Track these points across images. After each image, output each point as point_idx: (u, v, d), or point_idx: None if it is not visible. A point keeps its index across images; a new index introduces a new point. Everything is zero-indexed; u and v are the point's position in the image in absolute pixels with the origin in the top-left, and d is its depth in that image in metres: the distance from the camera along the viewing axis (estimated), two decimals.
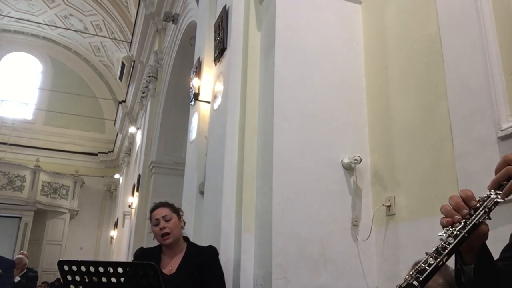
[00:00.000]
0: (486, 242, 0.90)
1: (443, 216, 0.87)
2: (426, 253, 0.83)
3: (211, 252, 2.35)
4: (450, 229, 0.84)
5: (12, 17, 14.81)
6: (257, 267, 2.71)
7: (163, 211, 2.32)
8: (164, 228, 2.26)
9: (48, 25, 15.51)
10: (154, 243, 2.38)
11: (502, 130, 1.94)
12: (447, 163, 2.24)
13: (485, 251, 0.88)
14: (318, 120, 2.88)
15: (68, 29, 15.23)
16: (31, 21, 14.79)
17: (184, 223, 2.41)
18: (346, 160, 2.82)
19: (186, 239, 2.39)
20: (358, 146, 2.91)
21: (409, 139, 2.61)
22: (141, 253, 2.35)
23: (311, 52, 3.01)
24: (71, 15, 14.89)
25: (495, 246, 0.97)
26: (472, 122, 2.10)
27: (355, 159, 2.78)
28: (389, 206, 2.67)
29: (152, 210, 2.37)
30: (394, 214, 2.63)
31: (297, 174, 2.72)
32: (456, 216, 0.84)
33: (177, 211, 2.39)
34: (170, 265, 2.26)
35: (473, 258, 0.88)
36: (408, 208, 2.55)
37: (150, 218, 2.36)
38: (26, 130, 15.98)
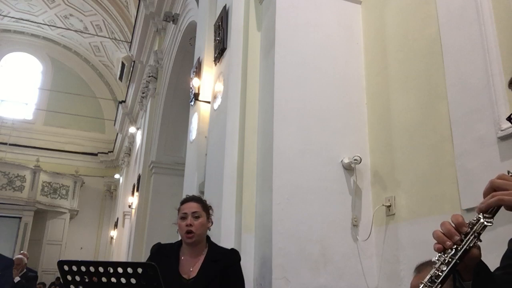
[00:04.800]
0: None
1: (435, 242, 0.90)
2: (421, 282, 0.87)
3: (234, 257, 2.20)
4: (443, 255, 0.87)
5: (12, 17, 14.81)
6: (257, 267, 2.71)
7: (194, 207, 2.17)
8: (190, 225, 2.11)
9: (48, 25, 15.51)
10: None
11: (502, 130, 1.94)
12: (447, 163, 2.24)
13: (481, 266, 0.90)
14: (318, 120, 2.88)
15: (68, 29, 15.23)
16: (31, 21, 14.79)
17: (212, 223, 2.26)
18: (346, 160, 2.82)
19: (207, 238, 2.24)
20: (358, 146, 2.92)
21: (409, 139, 2.61)
22: (158, 250, 2.20)
23: (311, 52, 3.01)
24: (71, 15, 14.90)
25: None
26: (472, 122, 2.10)
27: (355, 159, 2.78)
28: (389, 206, 2.67)
29: (182, 202, 2.22)
30: (394, 214, 2.63)
31: (297, 174, 2.72)
32: (448, 242, 0.87)
33: (207, 209, 2.23)
34: (190, 268, 2.11)
35: (471, 274, 0.90)
36: (408, 208, 2.55)
37: (178, 210, 2.20)
38: (26, 130, 15.99)
